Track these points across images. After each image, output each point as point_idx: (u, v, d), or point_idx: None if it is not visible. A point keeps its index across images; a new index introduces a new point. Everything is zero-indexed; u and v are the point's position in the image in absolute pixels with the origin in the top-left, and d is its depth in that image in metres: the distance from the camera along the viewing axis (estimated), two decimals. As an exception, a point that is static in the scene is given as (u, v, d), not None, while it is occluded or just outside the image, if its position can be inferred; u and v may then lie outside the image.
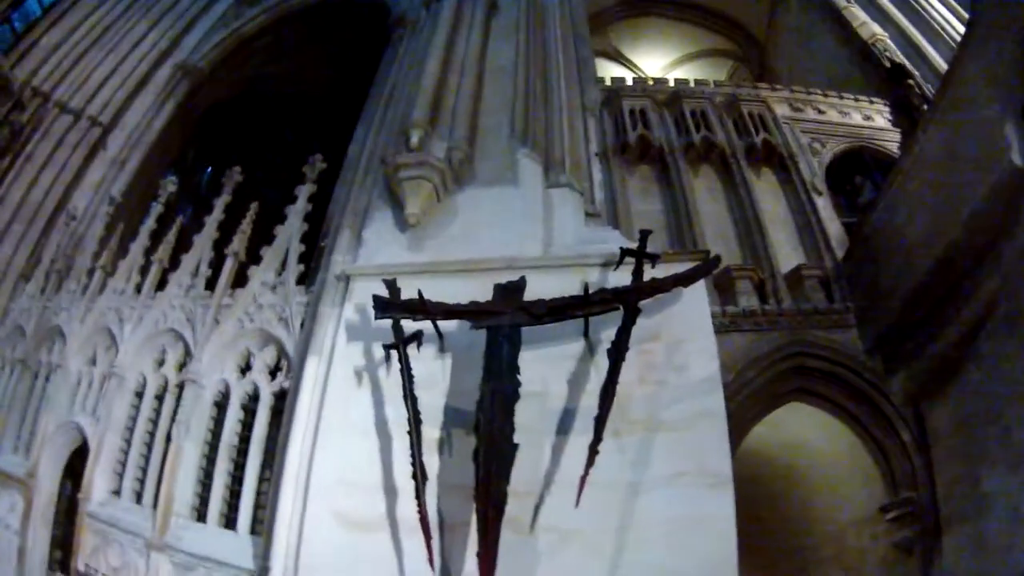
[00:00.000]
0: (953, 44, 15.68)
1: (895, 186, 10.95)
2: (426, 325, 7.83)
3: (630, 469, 7.28)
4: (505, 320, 7.36)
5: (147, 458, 9.68)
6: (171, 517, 8.84)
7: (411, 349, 7.71)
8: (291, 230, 10.26)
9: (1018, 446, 8.44)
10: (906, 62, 16.37)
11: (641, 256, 7.93)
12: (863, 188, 13.79)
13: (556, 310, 7.45)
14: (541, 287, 7.73)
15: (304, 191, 10.62)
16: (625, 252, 8.06)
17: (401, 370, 7.49)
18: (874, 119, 14.55)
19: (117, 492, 9.70)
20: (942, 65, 15.70)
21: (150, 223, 12.28)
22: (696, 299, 8.15)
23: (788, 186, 12.53)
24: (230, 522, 8.76)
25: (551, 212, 9.30)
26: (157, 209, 12.49)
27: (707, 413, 7.55)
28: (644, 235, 8.06)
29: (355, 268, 9.02)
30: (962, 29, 15.09)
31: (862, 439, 10.55)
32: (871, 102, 14.76)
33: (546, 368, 7.64)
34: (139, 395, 10.24)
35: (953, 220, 9.14)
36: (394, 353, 7.76)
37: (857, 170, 13.86)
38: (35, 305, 12.79)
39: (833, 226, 12.06)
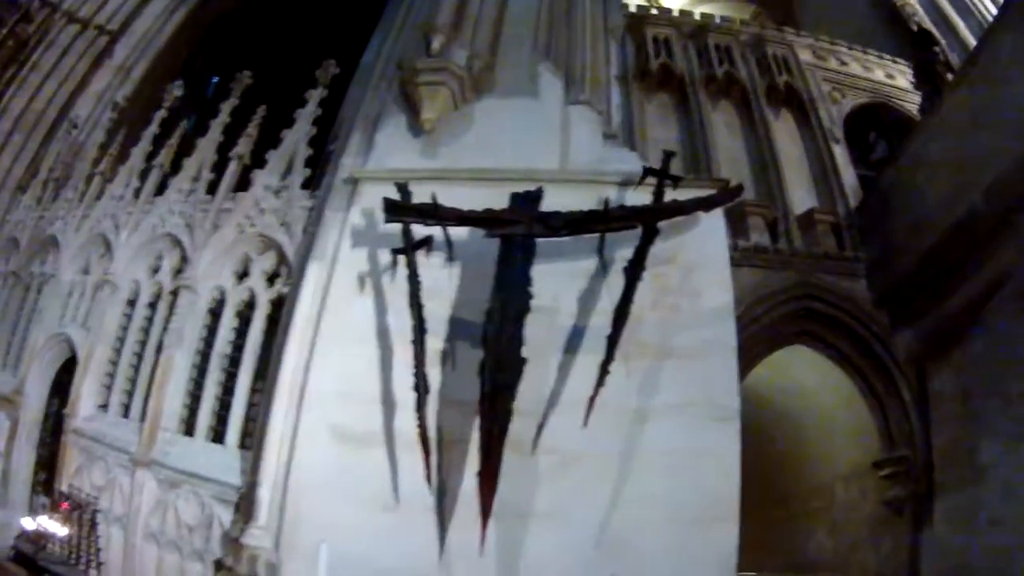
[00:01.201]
0: (983, 22, 15.23)
1: (917, 144, 10.50)
2: (436, 232, 7.38)
3: (637, 395, 6.92)
4: (520, 229, 6.89)
5: (136, 369, 9.29)
6: (158, 431, 8.49)
7: (419, 256, 7.26)
8: (299, 133, 9.75)
9: (1018, 422, 8.14)
10: (933, 29, 15.60)
11: (664, 177, 7.45)
12: (876, 146, 13.34)
13: (574, 223, 6.97)
14: (557, 201, 7.25)
15: (315, 95, 10.11)
16: (648, 171, 7.58)
17: (409, 276, 7.07)
18: (896, 79, 13.79)
19: (104, 407, 9.34)
20: (969, 39, 15.19)
21: (153, 128, 11.70)
22: (714, 226, 7.73)
23: (806, 130, 11.88)
24: (218, 436, 8.41)
25: (569, 128, 8.79)
26: (160, 114, 11.91)
27: (718, 343, 7.20)
28: (668, 156, 7.60)
29: (364, 172, 8.51)
30: (994, 10, 14.90)
31: (861, 391, 10.06)
32: (895, 61, 14.01)
33: (557, 284, 7.20)
34: (132, 304, 9.82)
35: (974, 186, 8.69)
36: (400, 259, 7.34)
37: (872, 126, 13.35)
38: (30, 216, 12.25)
39: (848, 174, 11.45)
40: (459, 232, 7.43)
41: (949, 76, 12.70)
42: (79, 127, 13.76)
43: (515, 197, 7.30)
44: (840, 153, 11.71)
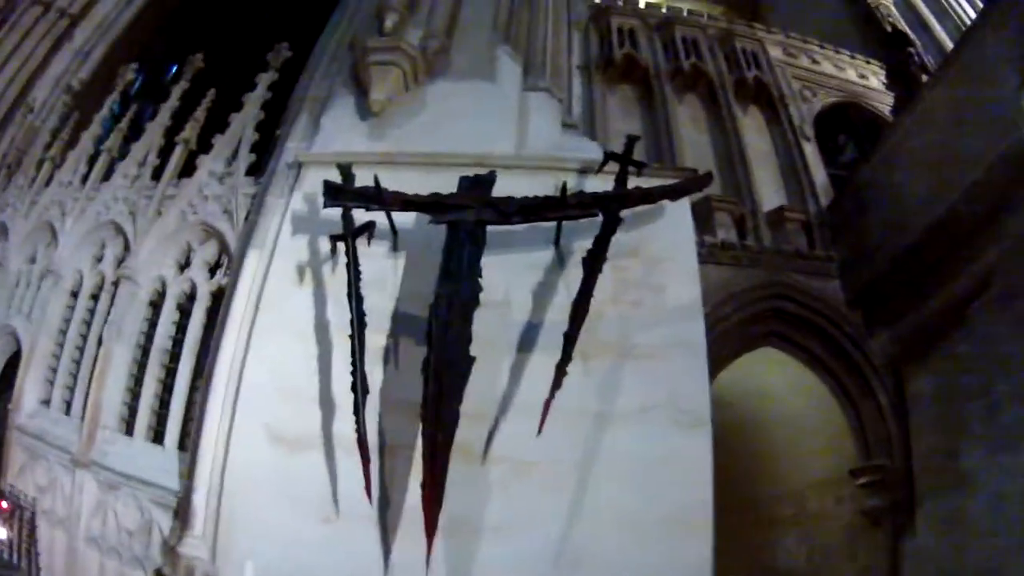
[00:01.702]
0: (959, 24, 14.92)
1: (894, 142, 9.88)
2: (380, 218, 6.58)
3: (597, 397, 6.21)
4: (470, 216, 6.10)
5: (79, 364, 8.50)
6: (98, 429, 7.72)
7: (361, 245, 6.47)
8: (246, 118, 8.99)
9: (1005, 427, 7.48)
10: (908, 30, 15.22)
11: (627, 163, 6.69)
12: (845, 147, 12.70)
13: (528, 210, 6.22)
14: (512, 188, 6.48)
15: (265, 78, 9.34)
16: (610, 155, 6.87)
17: (348, 265, 6.28)
18: (868, 79, 13.26)
19: (47, 402, 8.55)
20: (945, 40, 14.81)
21: (104, 112, 10.98)
22: (680, 217, 7.03)
23: (775, 127, 11.29)
24: (158, 436, 7.63)
25: (527, 114, 8.05)
26: (113, 98, 11.20)
27: (685, 342, 6.49)
28: (631, 140, 6.86)
29: (308, 155, 7.72)
30: (972, 12, 14.65)
31: (836, 396, 9.39)
32: (868, 62, 13.52)
33: (510, 276, 6.48)
34: (75, 295, 9.02)
35: (954, 184, 8.15)
36: (341, 247, 6.54)
37: (841, 127, 12.74)
38: (-19, 204, 11.36)
39: (819, 173, 10.87)
40: (405, 219, 6.66)
41: (924, 77, 12.31)
42: (35, 111, 12.85)
43: (464, 181, 6.51)
44: (811, 151, 11.11)
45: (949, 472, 8.08)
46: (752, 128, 11.16)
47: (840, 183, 10.93)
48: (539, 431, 5.59)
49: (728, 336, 8.79)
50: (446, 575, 5.67)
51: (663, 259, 6.74)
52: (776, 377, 9.96)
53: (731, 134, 10.82)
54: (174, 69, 13.50)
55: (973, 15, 13.91)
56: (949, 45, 14.02)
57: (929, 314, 8.70)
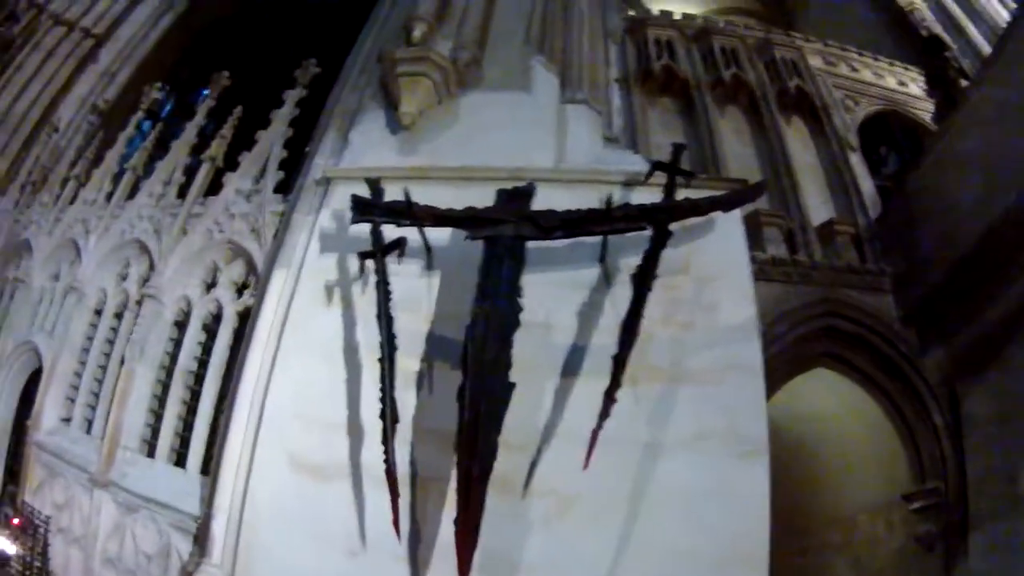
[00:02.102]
0: (994, 27, 14.25)
1: (941, 147, 9.45)
2: (414, 235, 6.12)
3: (647, 426, 5.67)
4: (508, 231, 5.61)
5: (101, 382, 8.24)
6: (118, 450, 7.43)
7: (392, 263, 6.03)
8: (274, 135, 8.67)
9: None
10: (944, 34, 14.65)
11: (674, 172, 6.16)
12: (887, 159, 12.19)
13: (570, 224, 5.69)
14: (550, 203, 6.00)
15: (293, 95, 9.01)
16: (656, 165, 6.34)
17: (377, 284, 5.81)
18: (908, 86, 12.75)
19: (68, 420, 8.32)
20: (982, 43, 14.27)
21: (129, 130, 10.83)
22: (731, 231, 6.48)
23: (819, 138, 10.86)
24: (180, 459, 7.31)
25: (565, 126, 7.54)
26: (138, 116, 11.04)
27: (741, 365, 5.93)
28: (678, 149, 6.33)
29: (337, 171, 7.30)
30: (1004, 13, 14.09)
31: (890, 418, 8.88)
32: (906, 68, 13.03)
33: (551, 295, 5.96)
34: (99, 313, 8.78)
35: (1008, 186, 7.68)
36: (370, 265, 6.10)
37: (882, 138, 12.25)
38: (6, 220, 11.29)
39: (866, 184, 10.43)
40: (439, 236, 6.19)
41: (963, 82, 11.80)
42: (60, 131, 12.80)
43: (501, 194, 6.05)
44: (857, 162, 10.61)
45: (1006, 494, 7.54)
46: (796, 140, 10.71)
47: (886, 194, 10.46)
48: (585, 465, 5.08)
49: (781, 357, 8.27)
50: (481, 617, 5.13)
51: (715, 276, 6.22)
52: (828, 399, 9.47)
53: (776, 146, 10.40)
54: (204, 93, 13.39)
55: (1007, 16, 13.39)
56: (985, 48, 13.62)
57: (985, 327, 8.18)
